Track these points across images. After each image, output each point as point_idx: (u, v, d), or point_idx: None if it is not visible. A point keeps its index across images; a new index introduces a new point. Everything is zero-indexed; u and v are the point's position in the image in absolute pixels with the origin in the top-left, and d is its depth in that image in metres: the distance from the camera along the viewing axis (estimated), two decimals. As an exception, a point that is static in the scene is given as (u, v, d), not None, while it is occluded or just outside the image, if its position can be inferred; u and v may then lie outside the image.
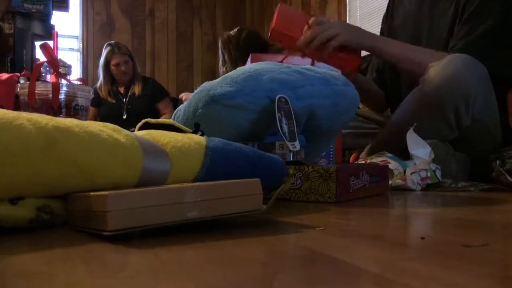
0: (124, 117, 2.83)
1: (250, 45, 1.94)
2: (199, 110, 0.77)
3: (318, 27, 1.16)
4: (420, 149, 0.97)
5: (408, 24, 1.37)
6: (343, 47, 1.19)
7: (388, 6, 1.53)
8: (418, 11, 1.35)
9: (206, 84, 0.78)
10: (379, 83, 1.51)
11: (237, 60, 1.93)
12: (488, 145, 1.13)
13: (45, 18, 1.52)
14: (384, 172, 0.83)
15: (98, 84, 2.93)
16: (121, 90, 2.92)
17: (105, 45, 2.95)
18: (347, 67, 1.19)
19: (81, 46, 4.16)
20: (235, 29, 2.03)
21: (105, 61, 2.87)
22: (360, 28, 1.26)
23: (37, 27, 1.52)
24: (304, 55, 1.21)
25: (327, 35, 1.15)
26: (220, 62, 2.01)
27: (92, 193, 0.41)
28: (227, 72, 1.89)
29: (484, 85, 1.08)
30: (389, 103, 1.47)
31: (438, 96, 1.04)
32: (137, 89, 2.90)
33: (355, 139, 1.37)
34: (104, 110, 2.86)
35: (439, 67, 1.06)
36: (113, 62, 2.85)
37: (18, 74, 1.10)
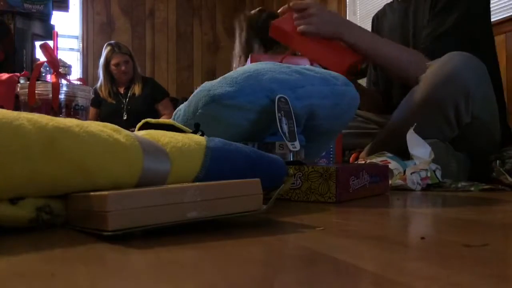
0: (124, 117, 2.83)
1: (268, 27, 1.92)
2: (199, 110, 0.77)
3: (300, 15, 1.18)
4: (420, 149, 0.97)
5: (395, 35, 1.37)
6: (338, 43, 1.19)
7: (372, 23, 1.55)
8: (403, 20, 1.36)
9: (206, 84, 0.78)
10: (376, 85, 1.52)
11: (252, 41, 1.89)
12: (487, 143, 1.13)
13: (45, 18, 1.52)
14: (384, 172, 0.83)
15: (98, 84, 2.93)
16: (121, 90, 2.92)
17: (105, 45, 2.95)
18: (333, 66, 1.16)
19: (81, 46, 4.16)
20: (256, 10, 2.00)
21: (105, 60, 2.87)
22: (337, 18, 1.24)
23: (37, 27, 1.52)
24: (300, 52, 1.22)
25: (303, 22, 1.17)
26: (237, 43, 1.96)
27: (92, 193, 0.41)
28: (239, 53, 1.90)
29: (483, 82, 1.08)
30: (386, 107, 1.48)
31: (438, 94, 1.04)
32: (137, 89, 2.89)
33: (355, 139, 1.37)
34: (104, 111, 2.86)
35: (438, 65, 1.06)
36: (113, 61, 2.85)
37: (18, 74, 1.10)
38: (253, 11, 1.97)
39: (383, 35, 1.43)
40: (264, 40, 1.79)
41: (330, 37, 1.19)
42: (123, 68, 2.85)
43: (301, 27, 1.18)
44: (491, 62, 1.24)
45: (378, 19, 1.52)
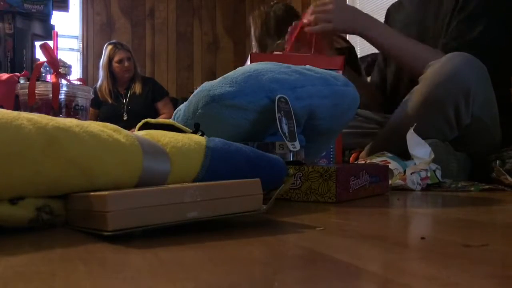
0: (125, 118, 2.82)
1: (279, 15, 1.92)
2: (199, 110, 0.77)
3: (319, 9, 1.19)
4: (420, 149, 0.97)
5: (412, 27, 1.37)
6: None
7: (387, 15, 1.54)
8: (422, 12, 1.36)
9: (206, 84, 0.78)
10: (381, 83, 1.51)
11: (264, 35, 1.92)
12: (487, 144, 1.13)
13: (45, 18, 1.52)
14: (383, 172, 0.83)
15: (98, 84, 2.92)
16: (121, 90, 2.91)
17: (106, 44, 2.95)
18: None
19: (81, 46, 4.16)
20: (272, 3, 2.01)
21: (107, 59, 2.85)
22: (356, 12, 1.25)
23: (37, 27, 1.52)
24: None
25: (321, 18, 1.17)
26: (251, 37, 2.00)
27: (92, 193, 0.41)
28: (255, 47, 1.93)
29: (483, 82, 1.08)
30: (388, 104, 1.47)
31: (438, 94, 1.04)
32: (137, 88, 2.89)
33: (355, 139, 1.37)
34: (104, 111, 2.85)
35: (438, 65, 1.06)
36: (116, 58, 2.84)
37: (18, 74, 1.10)
38: (266, 7, 1.99)
39: (398, 24, 1.43)
40: (275, 26, 1.87)
41: (349, 33, 1.19)
42: (126, 64, 2.84)
43: (317, 27, 1.18)
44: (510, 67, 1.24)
45: (392, 11, 1.52)
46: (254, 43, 1.98)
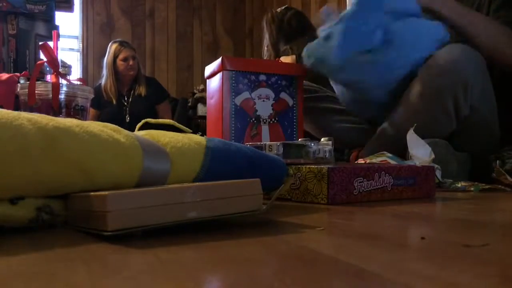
0: (127, 120, 2.79)
1: (293, 25, 1.95)
2: None
3: None
4: (420, 149, 0.97)
5: None
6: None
7: None
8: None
9: None
10: None
11: (278, 41, 1.95)
12: (487, 139, 1.13)
13: (48, 19, 1.52)
14: (423, 173, 0.78)
15: (103, 83, 2.86)
16: (124, 91, 2.88)
17: (111, 43, 2.92)
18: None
19: (81, 46, 4.16)
20: (282, 8, 2.04)
21: (112, 57, 2.82)
22: None
23: (40, 28, 1.52)
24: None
25: None
26: (264, 41, 2.03)
27: (92, 193, 0.41)
28: (269, 51, 1.99)
29: (481, 73, 1.08)
30: None
31: (436, 85, 1.05)
32: (142, 90, 2.86)
33: (356, 137, 1.37)
34: (106, 113, 2.82)
35: (436, 57, 1.06)
36: (121, 56, 2.81)
37: (18, 74, 1.10)
38: (279, 9, 2.00)
39: None
40: (288, 35, 1.92)
41: (425, 8, 1.17)
42: (131, 62, 2.81)
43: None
44: None
45: None
46: (267, 47, 2.01)
